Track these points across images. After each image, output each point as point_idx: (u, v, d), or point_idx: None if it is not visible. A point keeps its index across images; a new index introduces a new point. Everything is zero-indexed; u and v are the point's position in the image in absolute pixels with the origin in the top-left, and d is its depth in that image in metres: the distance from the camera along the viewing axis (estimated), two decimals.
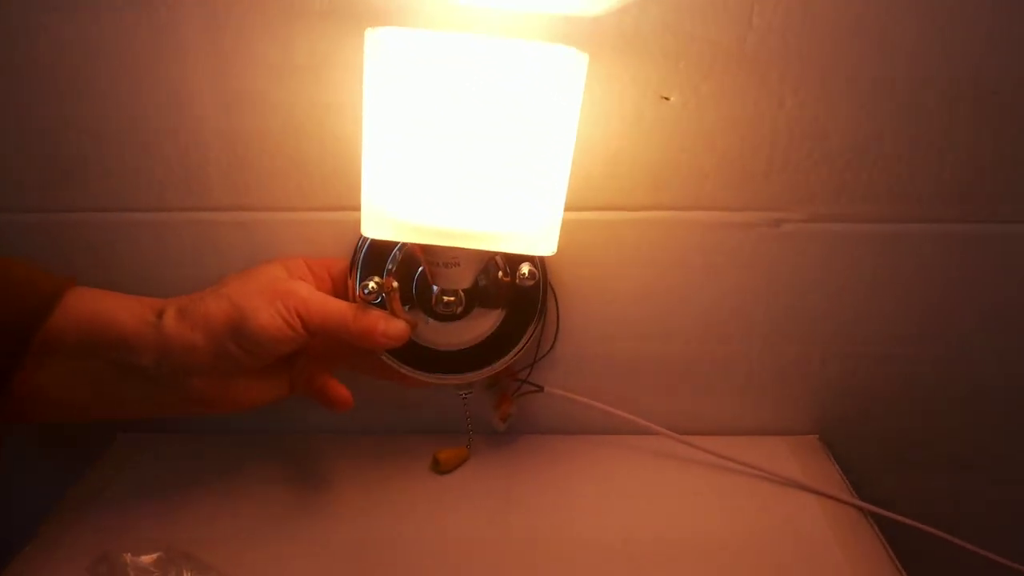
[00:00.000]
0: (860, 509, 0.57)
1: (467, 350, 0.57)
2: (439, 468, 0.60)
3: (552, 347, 0.60)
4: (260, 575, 0.50)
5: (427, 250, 0.49)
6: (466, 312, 0.56)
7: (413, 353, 0.56)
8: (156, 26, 0.51)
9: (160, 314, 0.48)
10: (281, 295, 0.49)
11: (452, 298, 0.54)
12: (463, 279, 0.51)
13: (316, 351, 0.56)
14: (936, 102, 0.53)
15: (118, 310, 0.48)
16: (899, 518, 0.56)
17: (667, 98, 0.54)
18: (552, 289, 0.58)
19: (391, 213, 0.46)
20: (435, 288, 0.54)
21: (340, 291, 0.55)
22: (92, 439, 0.63)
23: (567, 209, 0.56)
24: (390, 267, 0.55)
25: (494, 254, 0.55)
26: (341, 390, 0.54)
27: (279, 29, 0.51)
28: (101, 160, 0.55)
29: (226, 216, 0.57)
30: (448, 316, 0.55)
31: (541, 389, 0.61)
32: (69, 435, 0.65)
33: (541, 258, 0.56)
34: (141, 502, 0.56)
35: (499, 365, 0.57)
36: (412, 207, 0.46)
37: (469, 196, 0.45)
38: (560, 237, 0.57)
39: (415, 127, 0.44)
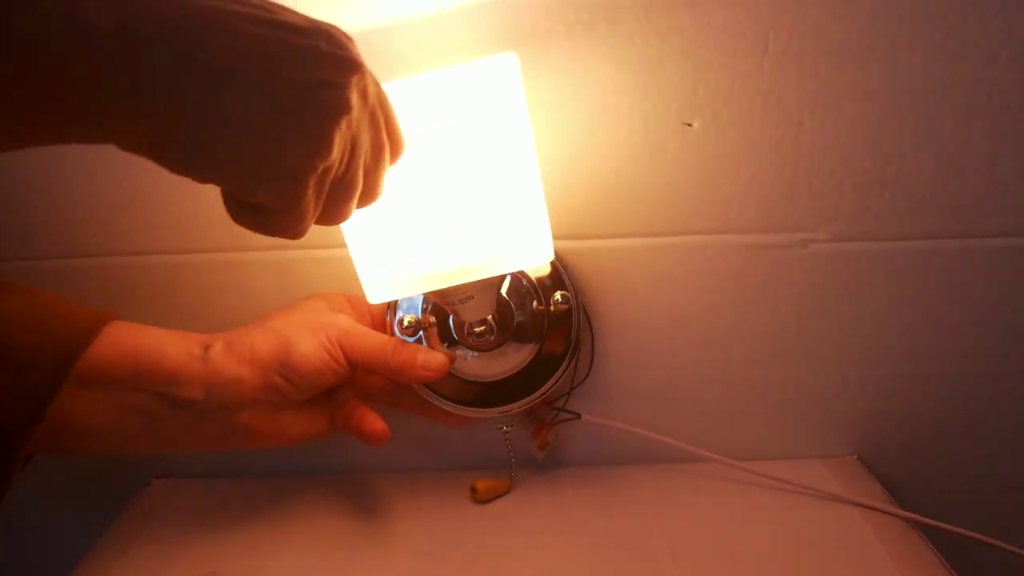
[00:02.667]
0: (908, 521, 0.56)
1: (504, 381, 0.57)
2: (476, 497, 0.60)
3: (587, 375, 0.60)
4: None
5: (439, 292, 0.50)
6: (502, 342, 0.56)
7: (451, 388, 0.57)
8: None
9: (207, 348, 0.50)
10: (324, 327, 0.51)
11: (481, 327, 0.54)
12: (482, 308, 0.52)
13: (356, 387, 0.56)
14: (953, 117, 0.55)
15: (165, 345, 0.49)
16: (947, 527, 0.56)
17: (690, 124, 0.56)
18: (587, 315, 0.58)
19: (388, 274, 0.47)
20: (464, 323, 0.55)
21: (379, 327, 0.56)
22: (127, 485, 0.63)
23: (595, 237, 0.58)
24: (426, 305, 0.56)
25: (510, 279, 0.56)
26: (377, 423, 0.54)
27: None
28: (139, 204, 0.57)
29: (263, 256, 0.59)
30: (483, 346, 0.56)
31: (579, 416, 0.61)
32: (103, 480, 0.65)
33: (573, 284, 0.57)
34: (182, 540, 0.56)
35: (537, 395, 0.58)
36: (404, 261, 0.47)
37: (452, 233, 0.46)
38: (589, 265, 0.58)
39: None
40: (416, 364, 0.53)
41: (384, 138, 0.39)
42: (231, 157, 0.32)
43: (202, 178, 0.34)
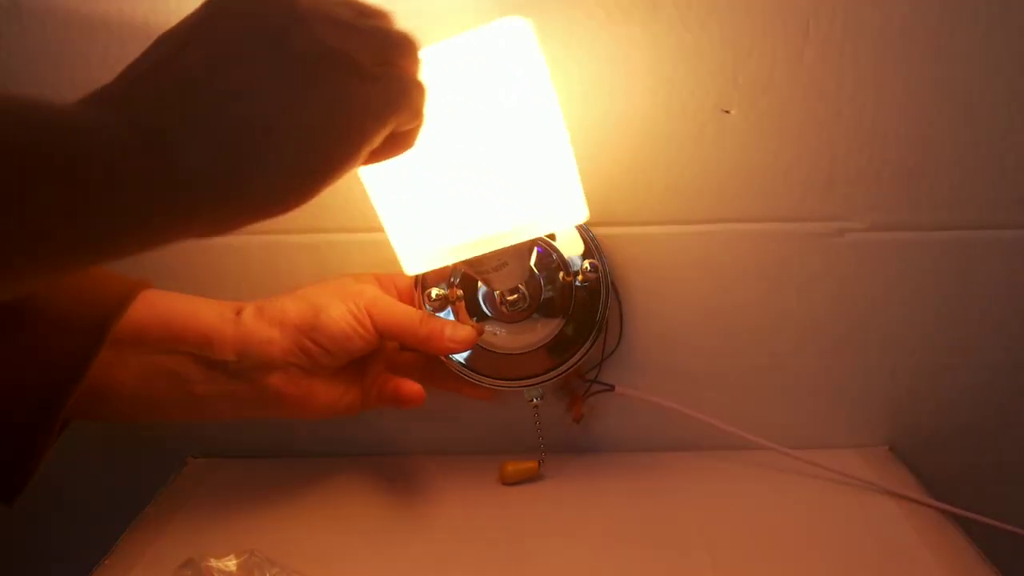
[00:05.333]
0: (941, 510, 0.56)
1: (533, 353, 0.57)
2: (505, 479, 0.60)
3: (617, 346, 0.60)
4: None
5: (472, 262, 0.50)
6: (531, 314, 0.57)
7: (480, 362, 0.57)
8: None
9: (239, 312, 0.51)
10: (352, 295, 0.52)
11: (515, 295, 0.55)
12: (516, 275, 0.52)
13: (387, 362, 0.57)
14: (993, 107, 0.54)
15: (199, 308, 0.51)
16: (981, 518, 0.56)
17: (727, 111, 0.55)
18: (615, 288, 0.58)
19: (424, 244, 0.47)
20: (496, 293, 0.55)
21: (407, 302, 0.57)
22: (164, 464, 0.64)
23: (631, 224, 0.58)
24: (453, 279, 0.57)
25: (543, 245, 0.56)
26: (412, 384, 0.55)
27: None
28: None
29: (300, 238, 0.59)
30: (517, 316, 0.56)
31: (612, 388, 0.61)
32: (140, 460, 0.66)
33: (600, 255, 0.57)
34: (218, 518, 0.57)
35: (567, 366, 0.58)
36: (440, 231, 0.47)
37: (484, 199, 0.46)
38: (624, 252, 0.58)
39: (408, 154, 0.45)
40: (444, 335, 0.53)
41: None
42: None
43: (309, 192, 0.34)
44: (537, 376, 0.58)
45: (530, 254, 0.54)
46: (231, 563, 0.47)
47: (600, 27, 0.53)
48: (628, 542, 0.53)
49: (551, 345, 0.57)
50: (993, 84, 0.54)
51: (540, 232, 0.48)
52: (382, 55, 0.36)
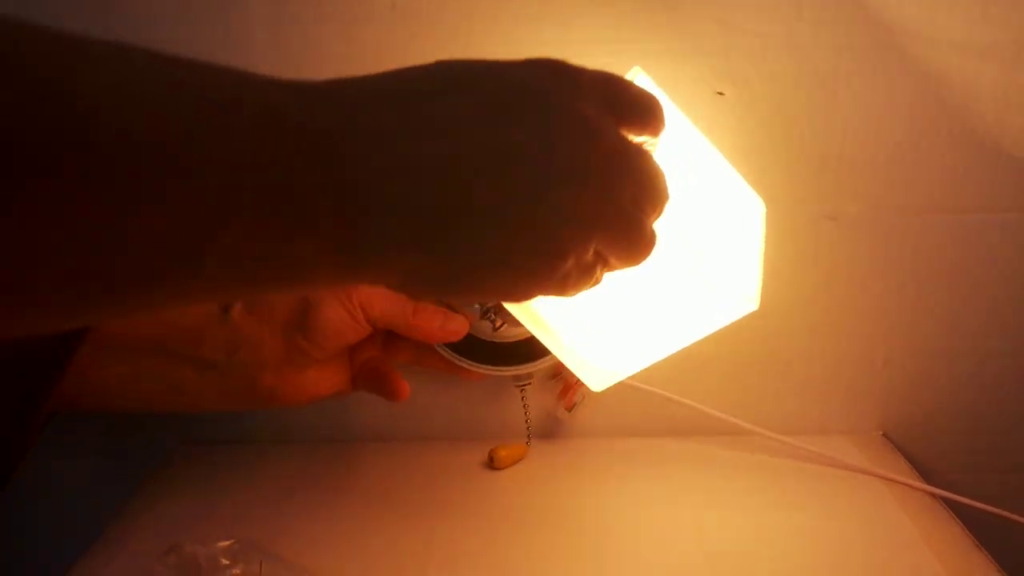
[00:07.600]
0: (934, 496, 0.56)
1: (522, 341, 0.57)
2: (495, 464, 0.60)
3: None
4: (327, 568, 0.49)
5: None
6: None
7: (470, 346, 0.57)
8: (225, 29, 0.54)
9: (227, 310, 0.49)
10: (345, 288, 0.51)
11: (502, 323, 0.55)
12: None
13: (377, 345, 0.56)
14: (989, 90, 0.54)
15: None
16: (974, 503, 0.55)
17: (721, 93, 0.55)
18: None
19: (602, 360, 0.49)
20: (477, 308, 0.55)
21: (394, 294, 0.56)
22: (152, 450, 0.64)
23: None
24: None
25: None
26: (399, 380, 0.54)
27: (344, 30, 0.54)
28: None
29: None
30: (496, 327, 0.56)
31: None
32: (128, 446, 0.66)
33: None
34: (204, 504, 0.56)
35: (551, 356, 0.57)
36: (617, 347, 0.49)
37: (658, 303, 0.48)
38: None
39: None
40: (435, 324, 0.53)
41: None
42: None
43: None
44: (526, 363, 0.57)
45: None
46: (217, 549, 0.47)
47: (586, 4, 0.53)
48: (617, 528, 0.53)
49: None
50: (989, 66, 0.53)
51: (714, 328, 0.49)
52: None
